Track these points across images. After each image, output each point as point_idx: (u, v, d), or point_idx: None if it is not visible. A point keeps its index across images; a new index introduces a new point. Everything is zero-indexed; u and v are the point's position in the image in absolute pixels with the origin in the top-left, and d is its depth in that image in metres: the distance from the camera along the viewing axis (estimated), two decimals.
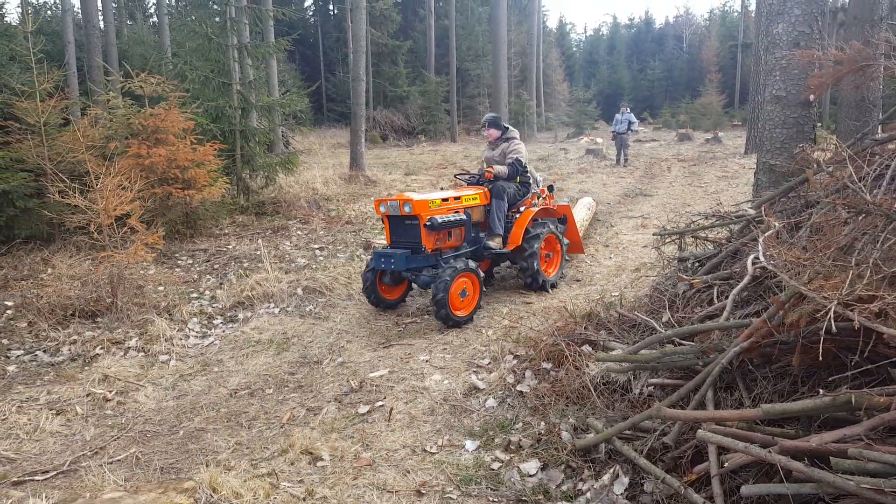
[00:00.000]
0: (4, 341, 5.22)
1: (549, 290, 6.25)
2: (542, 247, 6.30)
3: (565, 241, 6.70)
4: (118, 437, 3.76)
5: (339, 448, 3.52)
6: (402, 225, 5.62)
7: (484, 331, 5.27)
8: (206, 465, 3.22)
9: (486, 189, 6.21)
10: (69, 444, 3.72)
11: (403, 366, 4.68)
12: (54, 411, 4.06)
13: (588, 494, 2.86)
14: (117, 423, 3.95)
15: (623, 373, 3.50)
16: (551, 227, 6.38)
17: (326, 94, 34.63)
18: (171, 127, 8.75)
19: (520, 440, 3.39)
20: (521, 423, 3.58)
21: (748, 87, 20.12)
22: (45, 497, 2.63)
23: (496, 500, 2.96)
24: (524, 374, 4.06)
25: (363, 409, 4.01)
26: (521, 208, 6.47)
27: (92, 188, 6.07)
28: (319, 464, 3.37)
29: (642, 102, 49.63)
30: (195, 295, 6.48)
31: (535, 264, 6.08)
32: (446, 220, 5.51)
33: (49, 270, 6.62)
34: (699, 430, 2.56)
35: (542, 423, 3.48)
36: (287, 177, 12.05)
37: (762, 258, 2.98)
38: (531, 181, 6.63)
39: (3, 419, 3.93)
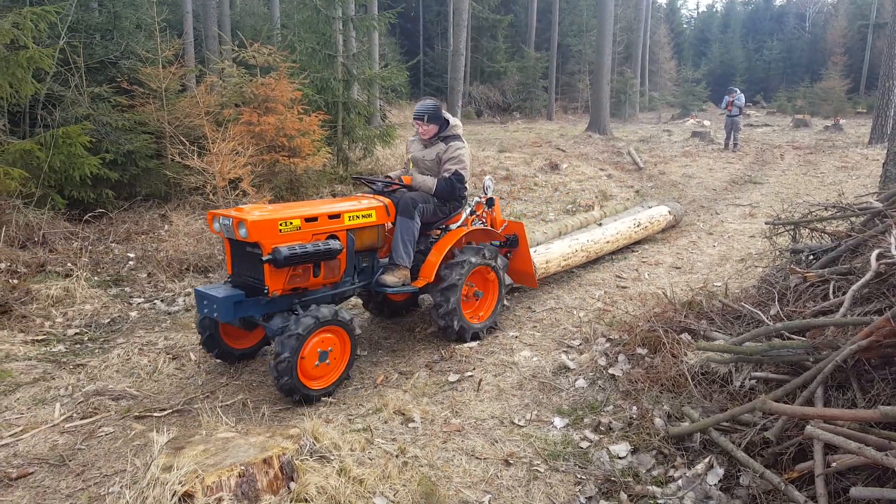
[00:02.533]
0: (128, 289, 5.77)
1: (468, 342, 4.63)
2: (470, 280, 4.67)
3: (506, 279, 5.09)
4: (227, 385, 4.09)
5: (429, 412, 3.66)
6: (243, 252, 3.85)
7: (575, 312, 5.24)
8: (307, 417, 3.45)
9: (387, 202, 4.37)
10: (183, 386, 4.09)
11: (492, 340, 4.76)
12: (171, 356, 4.46)
13: (680, 482, 2.83)
14: (226, 370, 4.29)
15: (724, 364, 3.39)
16: (487, 255, 4.68)
17: (424, 69, 34.92)
18: (280, 96, 9.17)
19: (610, 422, 3.38)
20: (611, 406, 3.57)
21: (877, 72, 18.37)
22: (165, 430, 2.93)
23: (584, 477, 2.99)
24: (617, 357, 4.02)
25: (453, 377, 4.13)
26: (450, 227, 4.86)
27: (209, 151, 6.53)
28: (411, 425, 3.52)
29: (756, 85, 46.51)
30: None
31: (451, 302, 4.40)
32: (298, 251, 3.64)
33: (166, 227, 7.20)
34: (807, 427, 2.46)
35: (634, 407, 3.45)
36: (384, 149, 12.34)
37: (895, 251, 2.77)
38: (466, 195, 4.86)
39: (127, 359, 4.35)
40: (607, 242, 6.80)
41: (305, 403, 3.71)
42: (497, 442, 3.34)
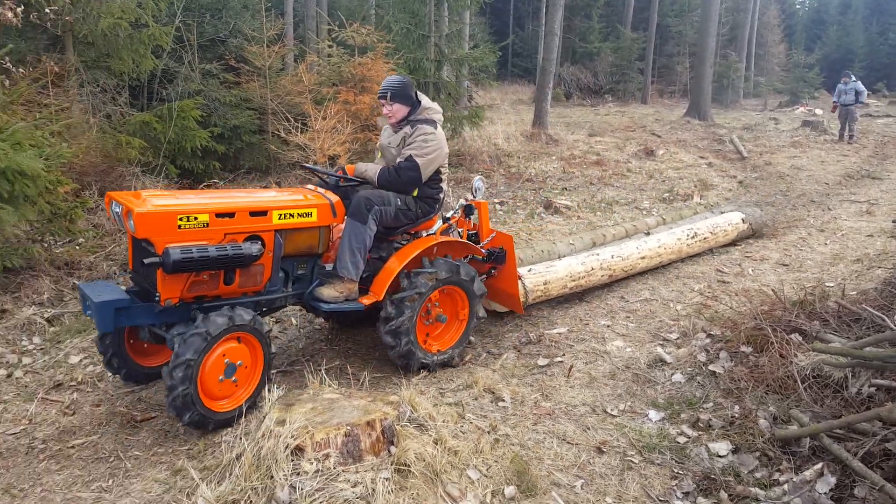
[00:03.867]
0: None
1: (412, 372, 3.90)
2: (428, 304, 3.94)
3: (479, 312, 4.13)
4: (326, 351, 4.30)
5: (519, 393, 3.71)
6: (140, 249, 3.19)
7: (672, 304, 5.11)
8: (403, 386, 3.58)
9: (336, 199, 3.66)
10: (286, 349, 4.33)
11: (583, 327, 4.73)
12: (274, 319, 4.73)
13: (786, 486, 2.73)
14: (325, 337, 4.51)
15: (840, 368, 3.22)
16: (457, 272, 3.90)
17: (513, 49, 34.53)
18: (375, 76, 9.37)
19: (710, 419, 3.30)
20: (711, 403, 3.48)
21: None
22: (276, 386, 3.14)
23: (681, 472, 2.95)
24: (718, 354, 3.90)
25: (542, 361, 4.14)
26: (421, 234, 4.15)
27: (311, 128, 6.81)
28: (500, 404, 3.58)
29: (878, 72, 42.76)
30: None
31: (405, 316, 3.71)
32: (195, 256, 2.97)
33: None
34: None
35: (737, 406, 3.35)
36: (471, 130, 12.39)
37: None
38: (441, 196, 4.07)
39: None
40: (642, 258, 5.65)
41: (198, 428, 3.09)
42: (589, 429, 3.35)
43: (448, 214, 4.43)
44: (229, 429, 3.18)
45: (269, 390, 3.06)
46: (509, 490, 2.77)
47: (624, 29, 30.22)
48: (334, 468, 2.61)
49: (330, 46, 10.20)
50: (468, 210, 4.42)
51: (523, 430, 3.31)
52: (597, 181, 10.26)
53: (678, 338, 4.39)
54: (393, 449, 2.78)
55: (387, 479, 2.60)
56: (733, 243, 6.83)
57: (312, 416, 2.81)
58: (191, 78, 8.64)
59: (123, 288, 3.33)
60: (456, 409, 3.44)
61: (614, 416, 3.47)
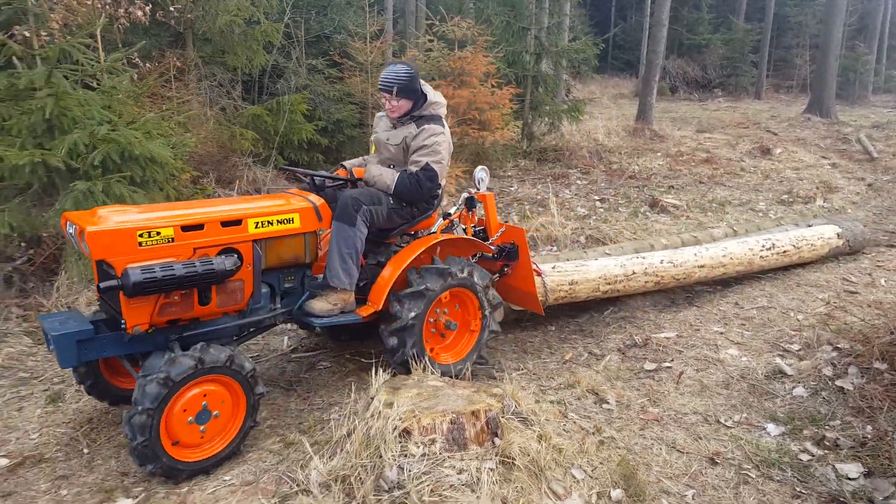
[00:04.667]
0: None
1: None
2: (437, 309, 3.65)
3: (494, 300, 3.81)
4: None
5: (624, 396, 3.65)
6: (102, 272, 2.82)
7: (793, 314, 4.83)
8: (506, 381, 3.62)
9: (320, 202, 3.36)
10: None
11: (693, 333, 4.57)
12: None
13: None
14: None
15: None
16: (462, 273, 3.59)
17: (614, 41, 33.65)
18: (474, 70, 9.47)
19: (837, 438, 3.11)
20: (838, 421, 3.27)
21: None
22: (381, 372, 3.26)
23: (805, 491, 2.81)
24: (847, 369, 3.66)
25: (649, 365, 4.05)
26: (420, 234, 3.87)
27: None
28: (605, 406, 3.54)
29: None
30: None
31: (409, 345, 3.44)
32: (158, 275, 2.66)
33: None
34: None
35: (869, 427, 3.14)
36: (570, 125, 12.23)
37: None
38: (440, 192, 3.78)
39: None
40: (700, 266, 5.12)
41: (168, 478, 2.78)
42: (700, 438, 3.24)
43: (452, 210, 4.14)
44: (337, 407, 3.34)
45: (375, 373, 3.19)
46: (616, 493, 2.74)
47: (736, 20, 28.74)
48: (440, 454, 2.69)
49: (430, 41, 10.39)
50: (470, 203, 4.09)
51: (629, 435, 3.26)
52: (707, 180, 9.85)
53: (800, 349, 4.15)
54: (497, 441, 2.82)
55: (491, 470, 2.64)
56: (823, 258, 6.08)
57: (418, 401, 2.90)
58: (298, 73, 9.08)
59: (90, 316, 3.05)
60: (558, 407, 3.44)
61: (728, 427, 3.34)
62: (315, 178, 3.59)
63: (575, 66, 16.56)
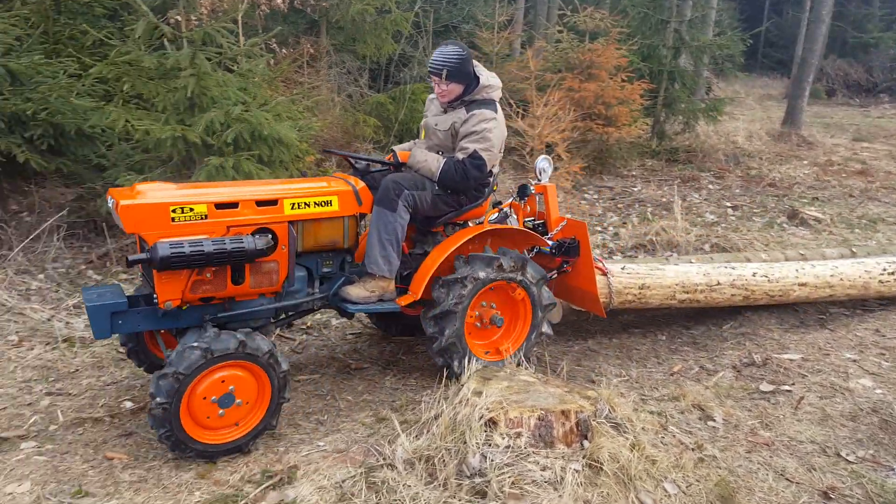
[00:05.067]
0: None
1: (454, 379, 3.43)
2: (479, 303, 3.50)
3: (547, 299, 3.62)
4: None
5: (733, 416, 3.46)
6: (143, 247, 2.90)
7: None
8: (603, 385, 3.55)
9: (360, 186, 3.30)
10: None
11: (821, 357, 4.23)
12: None
13: None
14: None
15: None
16: (506, 265, 3.42)
17: (766, 38, 31.39)
18: (604, 63, 9.25)
19: None
20: None
21: None
22: (475, 361, 3.33)
23: None
24: None
25: (766, 387, 3.81)
26: (469, 223, 3.73)
27: (531, 114, 6.98)
28: (710, 423, 3.38)
29: None
30: (599, 229, 6.97)
31: (448, 334, 3.33)
32: (187, 250, 2.69)
33: None
34: None
35: None
36: (706, 125, 11.62)
37: None
38: (491, 179, 3.62)
39: None
40: (801, 284, 4.61)
41: (174, 449, 2.81)
42: (815, 470, 3.01)
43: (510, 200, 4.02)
44: (429, 390, 3.44)
45: (468, 361, 3.26)
46: None
47: None
48: (525, 448, 2.71)
49: (560, 31, 10.28)
50: (522, 191, 3.91)
51: (733, 456, 3.09)
52: (858, 194, 8.99)
53: None
54: (586, 443, 2.79)
55: (577, 471, 2.63)
56: None
57: (507, 393, 2.94)
58: (424, 63, 9.33)
59: (137, 290, 3.26)
60: (658, 418, 3.33)
61: (850, 462, 3.08)
62: (359, 161, 3.54)
63: (718, 63, 15.68)
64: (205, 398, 2.77)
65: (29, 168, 4.90)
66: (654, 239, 6.39)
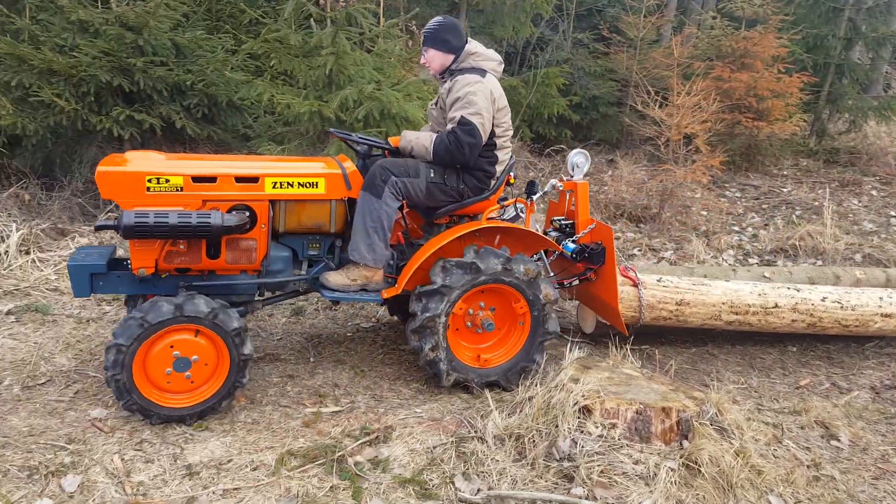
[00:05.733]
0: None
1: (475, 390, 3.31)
2: (466, 304, 3.25)
3: (550, 324, 3.31)
4: (635, 334, 4.32)
5: (863, 439, 3.19)
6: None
7: None
8: (714, 389, 3.41)
9: (352, 170, 3.23)
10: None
11: None
12: None
13: None
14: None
15: None
16: (495, 268, 3.14)
17: None
18: (760, 52, 8.66)
19: None
20: None
21: None
22: (577, 350, 3.31)
23: None
24: None
25: None
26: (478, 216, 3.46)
27: (671, 103, 6.70)
28: (833, 443, 3.15)
29: None
30: (736, 228, 6.59)
31: (425, 342, 3.15)
32: (151, 221, 2.75)
33: (610, 172, 7.77)
34: None
35: None
36: (878, 125, 10.52)
37: None
38: (495, 168, 3.33)
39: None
40: (884, 315, 4.04)
41: (144, 417, 2.89)
42: None
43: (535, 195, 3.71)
44: (531, 376, 3.48)
45: (569, 350, 3.25)
46: None
47: None
48: (618, 440, 2.69)
49: (713, 18, 9.73)
50: (530, 188, 3.58)
51: (856, 480, 2.86)
52: None
53: None
54: (685, 443, 2.72)
55: (672, 470, 2.57)
56: None
57: (607, 384, 2.91)
58: (561, 47, 9.25)
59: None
60: (773, 430, 3.14)
61: None
62: (357, 144, 3.40)
63: None
64: (159, 365, 2.82)
65: (185, 134, 5.48)
66: (797, 244, 5.94)
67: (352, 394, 3.34)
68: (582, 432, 2.69)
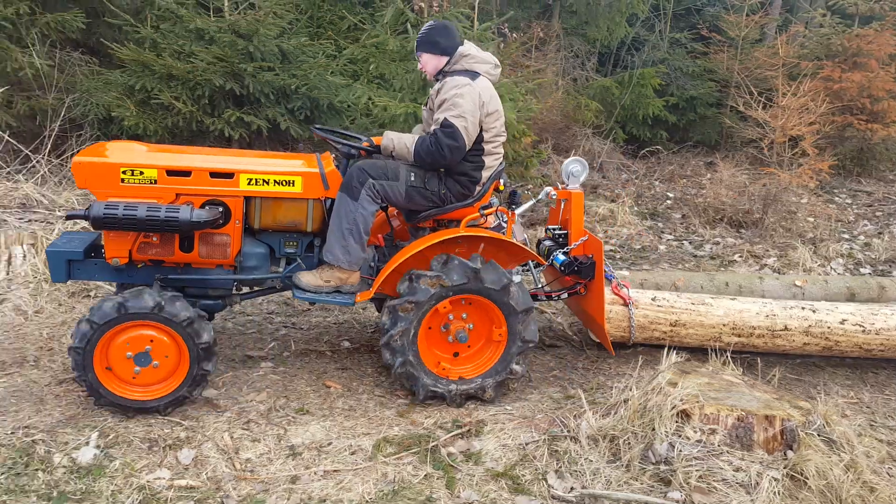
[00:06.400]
0: (660, 224, 6.42)
1: (455, 405, 3.19)
2: (441, 315, 3.13)
3: (527, 333, 3.14)
4: None
5: None
6: None
7: None
8: (821, 401, 3.25)
9: (330, 169, 3.17)
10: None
11: None
12: None
13: None
14: None
15: None
16: (477, 278, 3.03)
17: None
18: (875, 51, 8.17)
19: None
20: None
21: None
22: (674, 355, 3.25)
23: None
24: None
25: None
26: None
27: (776, 105, 6.43)
28: None
29: None
30: (846, 236, 6.25)
31: (395, 357, 3.08)
32: (119, 213, 2.77)
33: (709, 175, 7.54)
34: None
35: None
36: None
37: None
38: (481, 173, 3.21)
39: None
40: None
41: (116, 409, 2.95)
42: None
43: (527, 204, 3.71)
44: (621, 378, 3.45)
45: (667, 354, 3.19)
46: None
47: None
48: (718, 446, 2.62)
49: (823, 16, 9.23)
50: (512, 197, 3.35)
51: None
52: None
53: None
54: (790, 454, 2.62)
55: (775, 479, 2.48)
56: None
57: (706, 389, 2.85)
58: (657, 47, 9.04)
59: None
60: (887, 447, 2.97)
61: None
62: (340, 144, 3.30)
63: None
64: (122, 353, 2.85)
65: (289, 135, 5.77)
66: None
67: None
68: (679, 436, 2.64)
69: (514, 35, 7.49)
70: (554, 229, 3.74)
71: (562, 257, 3.53)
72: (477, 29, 5.98)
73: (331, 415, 3.09)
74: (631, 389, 2.98)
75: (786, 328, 3.68)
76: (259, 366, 3.52)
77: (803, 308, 3.76)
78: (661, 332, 3.70)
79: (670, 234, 6.19)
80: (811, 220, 6.51)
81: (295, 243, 3.27)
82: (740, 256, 5.53)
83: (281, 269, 3.28)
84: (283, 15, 5.79)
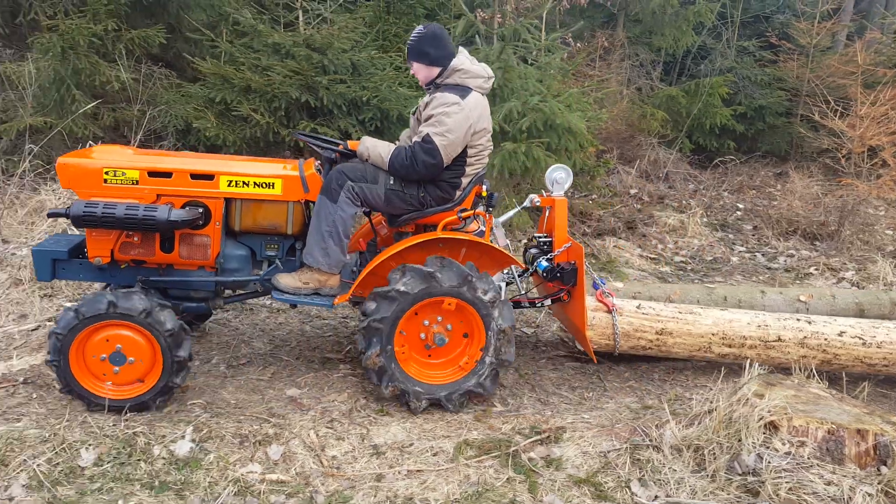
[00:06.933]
0: (731, 236, 6.32)
1: (420, 410, 3.17)
2: (419, 316, 3.14)
3: (503, 321, 3.12)
4: None
5: None
6: None
7: None
8: None
9: (310, 172, 3.18)
10: None
11: None
12: None
13: None
14: None
15: None
16: (451, 282, 3.02)
17: None
18: None
19: None
20: None
21: None
22: (756, 366, 3.21)
23: None
24: None
25: None
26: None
27: (853, 114, 6.26)
28: None
29: None
30: None
31: (370, 343, 3.06)
32: (99, 212, 2.86)
33: (779, 186, 7.38)
34: None
35: None
36: None
37: None
38: (461, 180, 3.22)
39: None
40: None
41: (91, 406, 3.01)
42: None
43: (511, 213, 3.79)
44: (701, 389, 3.43)
45: (749, 366, 3.16)
46: None
47: None
48: (808, 458, 2.59)
49: None
50: (489, 200, 3.37)
51: None
52: None
53: None
54: (884, 469, 2.56)
55: (869, 495, 2.44)
56: None
57: (793, 402, 2.81)
58: (725, 55, 8.91)
59: None
60: None
61: None
62: (325, 149, 3.34)
63: None
64: (94, 356, 2.94)
65: None
66: None
67: (517, 395, 3.47)
68: (767, 448, 2.62)
69: (579, 45, 7.52)
70: (539, 237, 3.76)
71: (545, 263, 3.56)
72: (545, 40, 6.06)
73: (410, 417, 3.17)
74: (715, 400, 2.97)
75: (779, 339, 3.64)
76: (338, 368, 3.64)
77: (798, 319, 3.72)
78: (646, 340, 3.66)
79: (742, 245, 6.09)
80: (890, 232, 6.30)
81: (276, 246, 3.31)
82: (816, 269, 5.40)
83: (262, 272, 3.33)
84: (354, 29, 5.97)
